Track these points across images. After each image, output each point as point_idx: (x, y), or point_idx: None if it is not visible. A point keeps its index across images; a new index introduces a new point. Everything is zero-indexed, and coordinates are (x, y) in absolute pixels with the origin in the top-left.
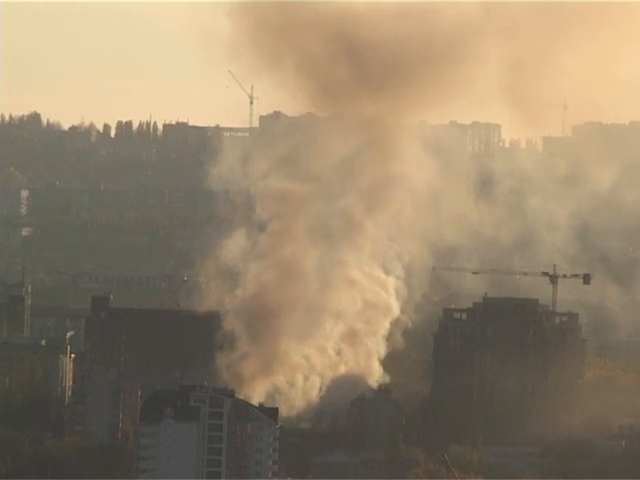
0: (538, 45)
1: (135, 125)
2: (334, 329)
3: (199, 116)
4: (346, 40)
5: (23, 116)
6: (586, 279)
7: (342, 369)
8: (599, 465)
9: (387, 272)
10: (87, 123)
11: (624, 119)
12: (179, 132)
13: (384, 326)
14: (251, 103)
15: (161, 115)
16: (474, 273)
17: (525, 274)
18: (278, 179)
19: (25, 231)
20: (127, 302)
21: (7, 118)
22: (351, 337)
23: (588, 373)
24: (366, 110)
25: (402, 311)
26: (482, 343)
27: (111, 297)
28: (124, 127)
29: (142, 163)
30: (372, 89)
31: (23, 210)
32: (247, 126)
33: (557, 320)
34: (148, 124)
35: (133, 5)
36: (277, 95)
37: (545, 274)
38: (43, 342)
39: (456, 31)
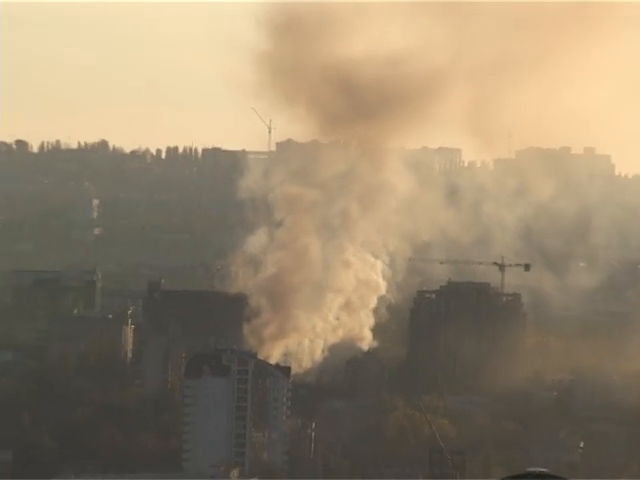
0: (492, 86)
1: (180, 149)
2: (334, 302)
3: (230, 142)
4: (344, 82)
5: (95, 143)
6: (527, 267)
7: (340, 334)
8: (536, 409)
9: (375, 258)
10: (143, 148)
11: (556, 145)
12: (214, 155)
13: (373, 301)
14: (269, 132)
15: (200, 141)
16: (441, 263)
17: (480, 264)
18: (290, 187)
19: (96, 231)
20: (174, 286)
21: (82, 144)
22: (347, 308)
23: (528, 340)
24: (359, 137)
25: (387, 291)
26: (447, 317)
27: (162, 282)
28: (172, 151)
29: (185, 179)
30: (364, 121)
31: (94, 215)
32: (266, 150)
33: (504, 299)
34: (190, 149)
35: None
36: (290, 126)
37: (495, 264)
38: (110, 316)
39: (429, 76)
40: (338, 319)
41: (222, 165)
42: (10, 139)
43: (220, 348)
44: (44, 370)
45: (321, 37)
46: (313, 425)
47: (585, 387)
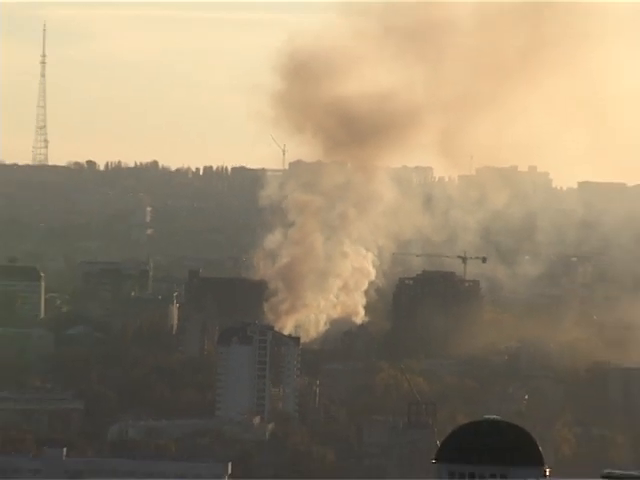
0: (457, 118)
1: (214, 167)
2: (334, 285)
3: (252, 162)
4: (342, 115)
5: (148, 162)
6: (484, 260)
7: (339, 310)
8: (491, 370)
9: (367, 251)
10: (186, 166)
11: (507, 164)
12: (241, 172)
13: (364, 284)
14: (283, 154)
15: (230, 161)
16: (417, 256)
17: (448, 257)
18: (300, 196)
19: (149, 231)
20: (210, 274)
21: (138, 164)
22: (345, 290)
23: (484, 316)
24: (354, 157)
25: (375, 277)
26: (422, 298)
27: (200, 271)
28: (208, 169)
29: (218, 191)
30: (358, 145)
31: (148, 219)
32: (281, 168)
33: (466, 285)
34: (222, 167)
35: (208, 92)
36: (299, 149)
37: (459, 257)
38: (160, 297)
39: (408, 109)
40: (337, 298)
41: (247, 180)
42: (82, 159)
43: (245, 322)
44: (108, 340)
45: (324, 79)
46: (317, 382)
47: (529, 353)
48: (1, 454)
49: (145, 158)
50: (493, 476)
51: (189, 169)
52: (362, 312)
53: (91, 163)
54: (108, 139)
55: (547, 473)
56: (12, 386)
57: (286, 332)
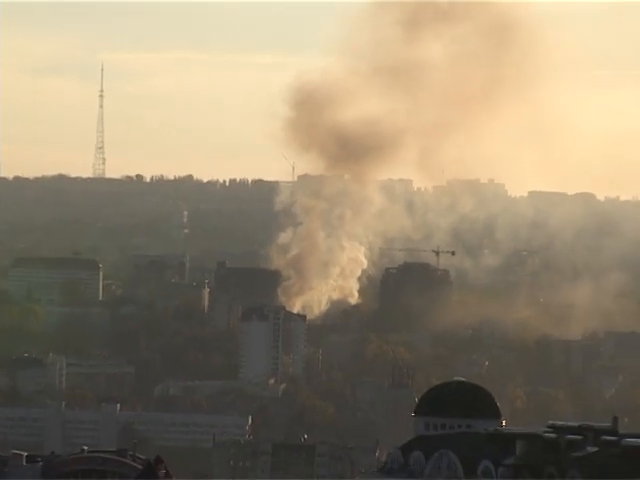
0: (432, 139)
1: (237, 180)
2: (334, 272)
3: (268, 175)
4: (340, 137)
5: (184, 175)
6: (453, 253)
7: (338, 293)
8: (459, 341)
9: (360, 245)
10: (215, 179)
11: (472, 177)
12: (259, 183)
13: (358, 272)
14: (293, 169)
15: (250, 175)
16: (400, 250)
17: (424, 251)
18: (307, 201)
19: (185, 230)
20: (234, 264)
21: (176, 176)
22: (342, 276)
23: (453, 298)
24: (351, 171)
25: (367, 266)
26: (402, 284)
27: (226, 262)
28: (232, 181)
29: (241, 199)
30: (354, 161)
31: (185, 220)
32: (291, 180)
33: (439, 273)
34: (244, 179)
35: (231, 119)
36: (306, 165)
37: (434, 251)
38: (194, 283)
39: (393, 132)
40: (336, 283)
41: (264, 189)
42: (132, 173)
43: (262, 303)
44: (153, 317)
45: (325, 109)
46: (320, 351)
47: (489, 327)
48: (68, 408)
49: (182, 172)
50: (460, 426)
51: (217, 181)
52: (356, 295)
53: (139, 176)
54: (153, 157)
55: (503, 423)
56: (77, 354)
57: (295, 311)
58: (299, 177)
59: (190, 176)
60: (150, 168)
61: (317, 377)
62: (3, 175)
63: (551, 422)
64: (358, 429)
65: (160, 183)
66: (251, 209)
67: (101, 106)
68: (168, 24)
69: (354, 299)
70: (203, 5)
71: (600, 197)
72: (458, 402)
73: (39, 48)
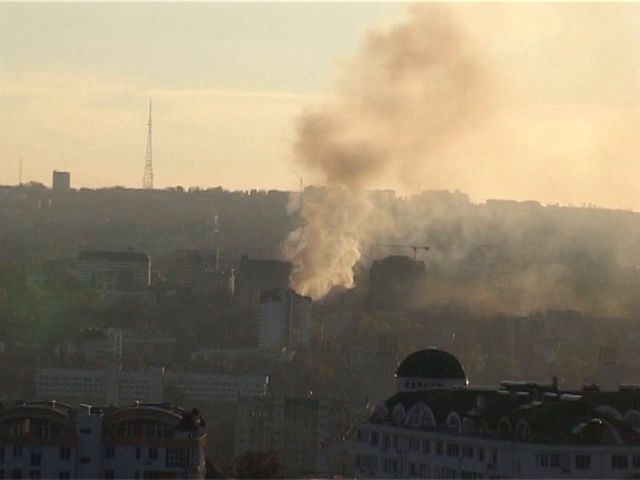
0: (411, 157)
1: (257, 190)
2: (333, 262)
3: (282, 186)
4: (338, 155)
5: (216, 187)
6: (427, 249)
7: (337, 279)
8: (431, 317)
9: (354, 240)
10: (240, 190)
11: (441, 188)
12: (274, 193)
13: (353, 262)
14: (301, 182)
15: (266, 186)
16: (384, 246)
17: (404, 247)
18: (312, 205)
19: (216, 231)
20: (255, 257)
21: (209, 187)
22: (340, 265)
23: (428, 284)
24: (347, 183)
25: (360, 258)
26: (387, 273)
27: (248, 255)
28: (252, 191)
29: (260, 205)
30: (350, 175)
31: (215, 222)
32: (299, 190)
33: (416, 264)
34: (263, 190)
35: (249, 142)
36: (311, 178)
37: (412, 247)
38: (223, 272)
39: (380, 152)
40: (335, 270)
41: (278, 197)
42: (174, 185)
43: (277, 288)
44: (190, 299)
45: (326, 134)
46: (322, 326)
47: (456, 307)
48: (123, 370)
49: (213, 184)
50: (433, 385)
51: (241, 191)
52: (351, 280)
53: (180, 188)
54: (190, 172)
55: (466, 383)
56: (130, 328)
57: (302, 293)
58: (306, 188)
59: (220, 187)
60: (188, 181)
61: (320, 346)
62: (72, 187)
63: (504, 382)
64: (352, 387)
65: (196, 193)
66: (268, 213)
67: (149, 132)
68: (201, 67)
69: (349, 284)
70: (231, 51)
71: (543, 204)
72: (431, 366)
73: (101, 86)
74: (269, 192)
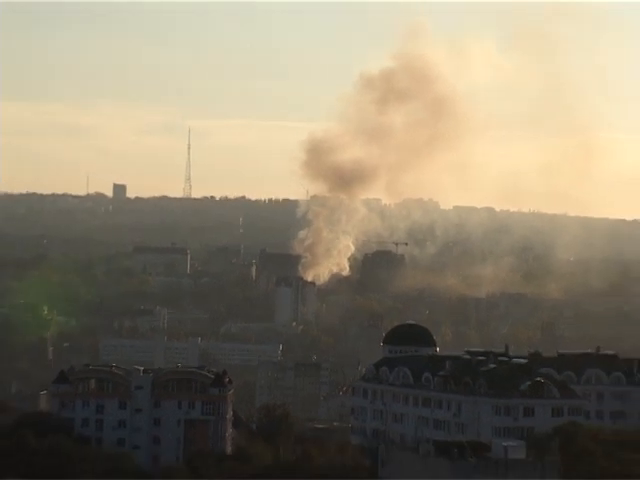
0: (394, 173)
1: (274, 199)
2: (333, 254)
3: (293, 196)
4: (337, 172)
5: (240, 196)
6: (406, 244)
7: (335, 267)
8: (409, 299)
9: (349, 237)
10: (261, 198)
11: (416, 196)
12: (287, 201)
13: (348, 255)
14: (307, 192)
15: (281, 195)
16: (373, 243)
17: (388, 243)
18: (316, 209)
19: (241, 230)
20: (272, 251)
21: (236, 196)
22: (339, 256)
23: (407, 273)
24: (344, 193)
25: (353, 252)
26: (375, 263)
27: (266, 249)
28: (269, 200)
29: (276, 210)
30: (346, 187)
31: (240, 223)
32: (306, 199)
33: (397, 257)
34: (278, 198)
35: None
36: (315, 188)
37: (394, 243)
38: (246, 263)
39: (369, 168)
40: (334, 261)
41: (290, 204)
42: (208, 194)
43: (288, 275)
44: (220, 284)
45: (328, 154)
46: (324, 305)
47: (429, 290)
48: (168, 340)
49: (239, 194)
50: (411, 351)
51: (261, 199)
52: (347, 269)
53: (212, 197)
54: (220, 184)
55: (437, 350)
56: (173, 307)
57: (309, 279)
58: (311, 196)
59: (243, 196)
60: (219, 191)
61: (322, 321)
62: (128, 196)
63: (467, 349)
64: (348, 353)
65: (225, 200)
66: (281, 216)
67: (188, 153)
68: (230, 102)
69: (345, 272)
70: (253, 89)
71: (497, 209)
72: (410, 336)
73: (151, 117)
74: (282, 200)
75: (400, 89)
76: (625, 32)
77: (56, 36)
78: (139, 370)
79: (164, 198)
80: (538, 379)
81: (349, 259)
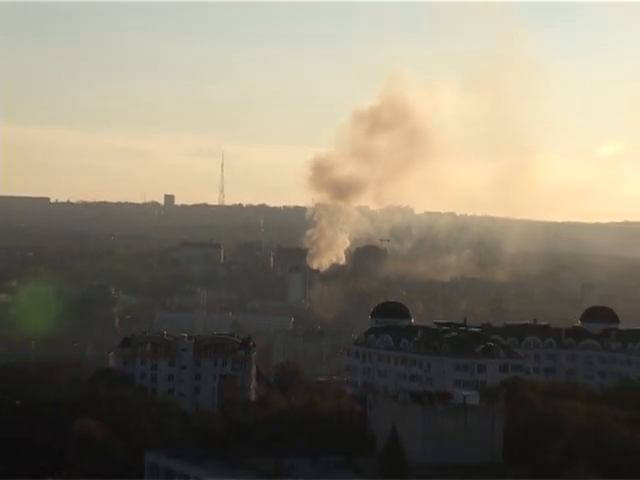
0: (380, 186)
1: (289, 205)
2: (333, 248)
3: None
4: (336, 185)
5: (261, 204)
6: (388, 241)
7: (335, 258)
8: (392, 281)
9: (345, 234)
10: (277, 205)
11: (395, 204)
12: (298, 208)
13: (344, 248)
14: (313, 200)
15: (292, 203)
16: (364, 240)
17: (375, 239)
18: (319, 212)
19: (262, 230)
20: (286, 246)
21: (256, 204)
22: (337, 249)
23: (389, 264)
24: (342, 200)
25: (348, 246)
26: (365, 255)
27: (281, 245)
28: (287, 206)
29: (291, 215)
30: (343, 196)
31: (262, 223)
32: (312, 205)
33: (382, 250)
34: (290, 205)
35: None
36: (319, 197)
37: (380, 240)
38: (266, 255)
39: (361, 182)
40: (334, 253)
41: (299, 210)
42: (237, 202)
43: (298, 264)
44: (247, 270)
45: (328, 171)
46: (326, 288)
47: (406, 276)
48: (207, 314)
49: (261, 202)
50: (392, 322)
51: (278, 206)
52: (344, 259)
53: (240, 204)
54: (248, 193)
55: (412, 321)
56: (210, 288)
57: (314, 268)
58: (316, 204)
59: (264, 204)
60: (246, 199)
61: (324, 301)
62: (176, 203)
63: (435, 321)
64: (344, 324)
65: (250, 207)
66: (293, 219)
67: (222, 170)
68: (252, 131)
69: (342, 262)
70: (270, 122)
71: (458, 214)
72: (391, 311)
73: (193, 142)
74: (294, 206)
75: (384, 121)
76: (560, 78)
77: (127, 82)
78: (184, 337)
79: (203, 205)
80: (489, 344)
81: (345, 252)
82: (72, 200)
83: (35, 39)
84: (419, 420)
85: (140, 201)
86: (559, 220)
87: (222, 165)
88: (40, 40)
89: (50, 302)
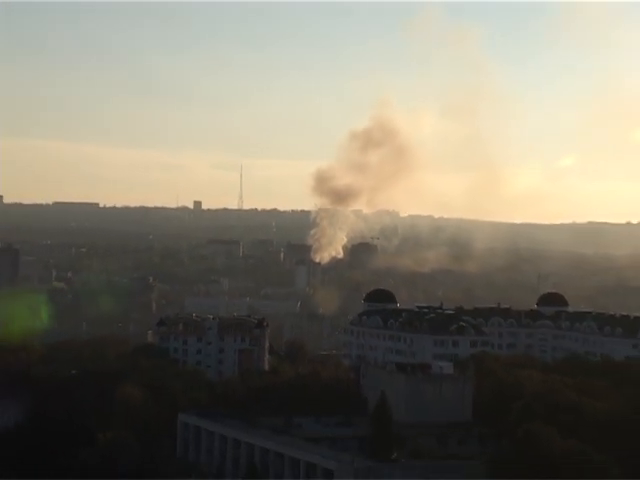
0: (373, 193)
1: (295, 209)
2: (333, 244)
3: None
4: (335, 193)
5: (274, 208)
6: (378, 239)
7: (334, 252)
8: (381, 272)
9: (342, 232)
10: (287, 209)
11: (383, 208)
12: (304, 212)
13: (342, 244)
14: (315, 205)
15: (299, 207)
16: (358, 238)
17: (367, 237)
18: (320, 214)
19: (274, 229)
20: (294, 242)
21: (269, 208)
22: (334, 245)
23: (379, 258)
24: (341, 205)
25: (345, 242)
26: (359, 251)
27: (291, 242)
28: (295, 210)
29: (297, 217)
30: (342, 201)
31: (273, 224)
32: (315, 209)
33: (373, 247)
34: (298, 209)
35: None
36: (321, 202)
37: (371, 238)
38: (277, 250)
39: (356, 190)
40: (333, 248)
41: (305, 213)
42: (252, 207)
43: (303, 257)
44: (261, 263)
45: (328, 181)
46: (326, 277)
47: (393, 268)
48: (228, 299)
49: (273, 206)
50: (381, 306)
51: (287, 210)
52: (341, 254)
53: (256, 208)
54: (262, 199)
55: (398, 305)
56: (231, 278)
57: (317, 261)
58: (319, 208)
59: (276, 208)
60: (261, 204)
61: (325, 288)
62: (203, 208)
63: (416, 304)
64: (341, 307)
65: (264, 211)
66: (300, 221)
67: (241, 180)
68: (267, 148)
69: (340, 256)
70: (282, 143)
71: (436, 216)
72: (380, 296)
73: (216, 157)
74: (300, 210)
75: (375, 140)
76: (522, 103)
77: (167, 109)
78: (210, 318)
79: (225, 209)
80: (461, 323)
81: (343, 247)
82: (117, 205)
83: (90, 70)
84: (403, 386)
85: (174, 206)
86: (520, 221)
87: (241, 176)
88: (96, 71)
89: (99, 290)
